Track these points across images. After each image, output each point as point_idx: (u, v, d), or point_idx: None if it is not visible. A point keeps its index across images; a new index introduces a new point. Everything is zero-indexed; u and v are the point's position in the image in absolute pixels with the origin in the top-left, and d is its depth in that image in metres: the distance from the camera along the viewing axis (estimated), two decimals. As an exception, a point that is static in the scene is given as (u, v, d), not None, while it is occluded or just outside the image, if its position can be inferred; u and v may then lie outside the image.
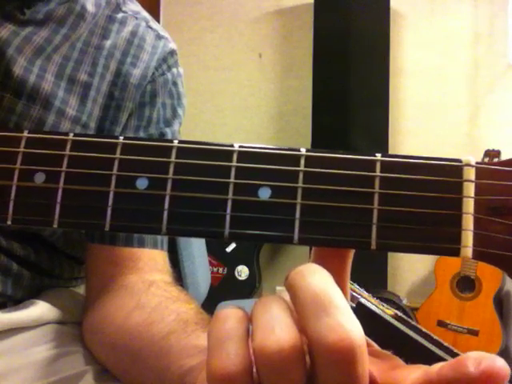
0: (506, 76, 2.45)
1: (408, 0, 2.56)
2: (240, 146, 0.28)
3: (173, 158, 0.29)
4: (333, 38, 2.42)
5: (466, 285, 2.11)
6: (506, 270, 0.25)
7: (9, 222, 0.30)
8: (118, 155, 0.29)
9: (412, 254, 0.26)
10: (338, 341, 0.23)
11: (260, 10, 2.73)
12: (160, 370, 0.42)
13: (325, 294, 0.24)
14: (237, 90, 2.73)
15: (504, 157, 2.21)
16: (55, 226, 0.30)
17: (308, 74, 2.48)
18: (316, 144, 2.41)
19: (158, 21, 2.76)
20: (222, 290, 2.36)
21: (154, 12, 2.74)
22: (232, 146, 0.29)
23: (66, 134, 0.31)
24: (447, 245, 0.26)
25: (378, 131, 2.39)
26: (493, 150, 2.22)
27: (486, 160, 2.21)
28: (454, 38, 2.51)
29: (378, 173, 0.27)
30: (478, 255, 0.26)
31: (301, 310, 0.24)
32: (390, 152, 2.39)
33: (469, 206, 0.26)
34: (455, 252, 0.26)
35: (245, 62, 2.74)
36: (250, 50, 2.73)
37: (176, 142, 0.29)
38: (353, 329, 0.23)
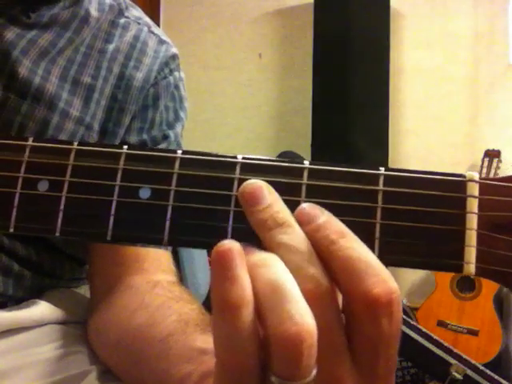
0: (506, 76, 2.44)
1: (408, 0, 2.56)
2: (243, 158, 0.29)
3: (176, 169, 0.29)
4: (333, 37, 2.41)
5: (466, 285, 2.11)
6: (510, 287, 0.25)
7: (11, 230, 0.30)
8: (121, 165, 0.29)
9: (414, 269, 0.26)
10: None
11: (260, 10, 2.72)
12: (160, 372, 0.43)
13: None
14: (237, 90, 2.73)
15: (504, 157, 2.21)
16: (57, 234, 0.30)
17: (308, 74, 2.48)
18: (316, 144, 2.41)
19: (158, 21, 2.76)
20: (222, 290, 2.36)
21: (154, 12, 2.74)
22: (235, 157, 0.29)
23: (70, 142, 0.31)
24: (450, 261, 0.26)
25: (378, 131, 2.39)
26: (493, 150, 2.22)
27: (487, 160, 2.21)
28: (454, 38, 2.50)
29: (381, 187, 0.27)
30: (481, 272, 0.26)
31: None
32: (391, 152, 2.40)
33: (472, 221, 0.26)
34: (458, 268, 0.26)
35: (245, 62, 2.73)
36: (249, 50, 2.73)
37: (180, 152, 0.29)
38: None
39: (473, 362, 1.35)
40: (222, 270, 0.25)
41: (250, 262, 0.26)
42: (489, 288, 2.06)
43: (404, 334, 1.35)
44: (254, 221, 0.27)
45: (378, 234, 0.27)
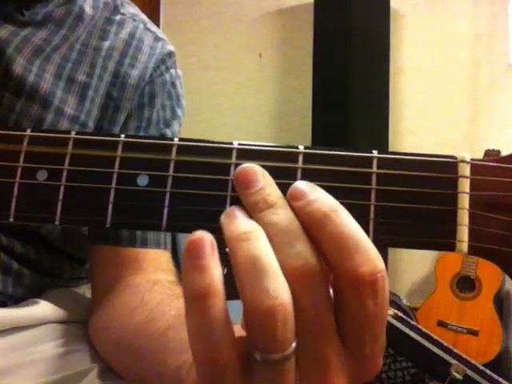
0: (506, 76, 2.45)
1: (408, 0, 2.56)
2: (239, 144, 0.29)
3: (173, 156, 0.29)
4: (333, 38, 2.41)
5: (465, 285, 2.11)
6: (501, 264, 0.25)
7: (11, 219, 0.31)
8: (119, 153, 0.30)
9: (408, 249, 0.26)
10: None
11: (260, 10, 2.73)
12: (159, 365, 0.43)
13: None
14: (237, 90, 2.74)
15: (504, 157, 2.21)
16: (57, 222, 0.30)
17: (308, 74, 2.48)
18: (316, 144, 2.40)
19: (158, 21, 2.77)
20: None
21: (154, 12, 2.74)
22: (231, 143, 0.29)
23: (68, 132, 0.31)
24: (443, 240, 0.26)
25: (377, 131, 2.39)
26: (493, 150, 2.22)
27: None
28: (454, 38, 2.51)
29: (374, 169, 0.27)
30: (474, 250, 0.26)
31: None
32: (390, 152, 2.40)
33: (464, 201, 0.27)
34: (451, 247, 0.26)
35: (245, 62, 2.74)
36: (249, 50, 2.73)
37: (176, 139, 0.29)
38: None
39: (473, 362, 1.34)
40: (191, 259, 0.25)
41: (234, 233, 0.26)
42: (489, 288, 2.06)
43: (404, 334, 1.35)
44: (247, 203, 0.28)
45: (372, 215, 0.27)
